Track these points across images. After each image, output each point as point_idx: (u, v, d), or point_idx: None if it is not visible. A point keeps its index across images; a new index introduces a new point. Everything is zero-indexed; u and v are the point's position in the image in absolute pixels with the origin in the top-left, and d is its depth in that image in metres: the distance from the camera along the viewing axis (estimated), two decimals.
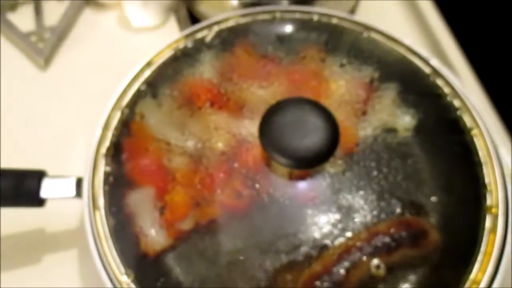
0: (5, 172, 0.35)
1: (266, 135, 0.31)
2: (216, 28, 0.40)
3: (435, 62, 0.39)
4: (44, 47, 0.48)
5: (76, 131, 0.41)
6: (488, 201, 0.33)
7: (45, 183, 0.35)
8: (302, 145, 0.31)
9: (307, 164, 0.32)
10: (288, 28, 0.41)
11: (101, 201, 0.33)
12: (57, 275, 0.38)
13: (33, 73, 0.48)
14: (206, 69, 0.38)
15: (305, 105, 0.32)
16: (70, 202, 0.35)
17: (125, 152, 0.35)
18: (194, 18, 0.50)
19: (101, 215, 0.33)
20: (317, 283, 0.31)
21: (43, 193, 0.35)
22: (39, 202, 0.35)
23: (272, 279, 0.31)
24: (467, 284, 0.31)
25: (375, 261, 0.31)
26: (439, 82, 0.38)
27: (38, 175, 0.35)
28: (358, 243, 0.32)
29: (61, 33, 0.50)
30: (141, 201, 0.34)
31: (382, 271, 0.31)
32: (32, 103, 0.46)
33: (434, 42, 0.49)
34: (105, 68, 0.46)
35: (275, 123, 0.31)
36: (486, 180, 0.34)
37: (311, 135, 0.31)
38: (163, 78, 0.38)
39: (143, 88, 0.38)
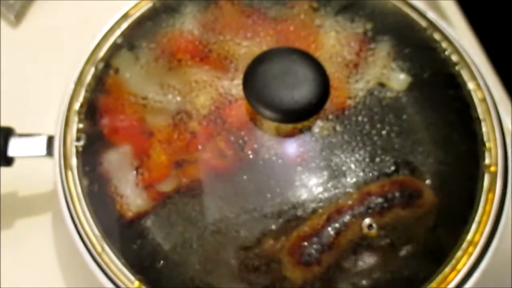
0: None
1: (251, 87, 0.29)
2: None
3: (432, 15, 0.36)
4: (15, 2, 0.45)
5: (49, 89, 0.39)
6: (487, 159, 0.32)
7: (13, 141, 0.33)
8: (289, 97, 0.28)
9: (295, 117, 0.29)
10: None
11: (73, 161, 0.31)
12: (30, 240, 0.36)
13: (3, 30, 0.45)
14: (187, 21, 0.35)
15: (292, 54, 0.29)
16: (44, 162, 0.33)
17: (100, 108, 0.33)
18: None
19: (73, 175, 0.31)
20: (305, 244, 0.29)
21: (10, 152, 0.32)
22: (7, 161, 0.33)
23: (258, 242, 0.30)
24: (464, 245, 0.30)
25: (367, 221, 0.30)
26: (436, 36, 0.36)
27: (5, 133, 0.32)
28: (350, 203, 0.30)
29: None
30: (117, 161, 0.31)
31: (374, 231, 0.29)
32: (3, 61, 0.43)
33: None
34: (80, 23, 0.43)
35: (261, 74, 0.29)
36: (485, 137, 0.32)
37: (299, 87, 0.29)
38: (140, 31, 0.35)
39: (119, 41, 0.35)
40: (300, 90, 0.29)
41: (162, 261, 0.29)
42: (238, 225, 0.30)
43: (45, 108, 0.35)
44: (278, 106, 0.28)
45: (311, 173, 0.31)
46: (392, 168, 0.31)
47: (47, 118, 0.34)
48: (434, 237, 0.30)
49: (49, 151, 0.32)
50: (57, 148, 0.31)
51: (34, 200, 0.38)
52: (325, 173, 0.31)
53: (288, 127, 0.31)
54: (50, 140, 0.32)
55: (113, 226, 0.30)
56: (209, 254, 0.30)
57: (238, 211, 0.30)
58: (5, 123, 0.34)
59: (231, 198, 0.31)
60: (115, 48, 0.35)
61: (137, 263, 0.29)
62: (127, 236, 0.30)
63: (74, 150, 0.31)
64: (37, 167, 0.34)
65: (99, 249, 0.29)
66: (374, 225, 0.29)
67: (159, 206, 0.30)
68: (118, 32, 0.35)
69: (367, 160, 0.31)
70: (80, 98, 0.33)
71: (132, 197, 0.31)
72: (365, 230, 0.29)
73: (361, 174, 0.31)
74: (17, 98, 0.41)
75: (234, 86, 0.33)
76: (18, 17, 0.45)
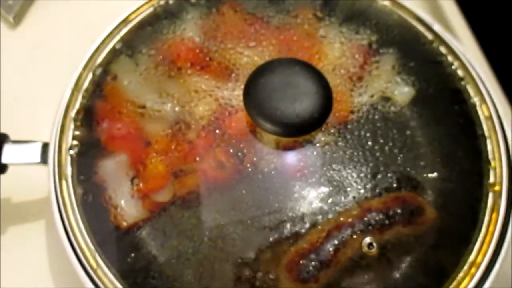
0: None
1: (252, 99, 0.28)
2: None
3: (438, 28, 0.36)
4: (14, 3, 0.45)
5: (46, 94, 0.38)
6: (491, 178, 0.31)
7: (6, 147, 0.32)
8: (291, 111, 0.28)
9: (296, 131, 0.29)
10: None
11: (68, 169, 0.30)
12: (23, 247, 0.36)
13: (2, 31, 0.44)
14: (188, 28, 0.35)
15: (295, 66, 0.29)
16: (38, 169, 0.32)
17: (97, 115, 0.32)
18: None
19: (68, 184, 0.30)
20: (303, 260, 0.28)
21: (4, 158, 0.32)
22: (0, 168, 0.32)
23: (255, 256, 0.29)
24: (466, 266, 0.29)
25: (367, 240, 0.29)
26: (442, 49, 0.35)
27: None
28: (350, 220, 0.30)
29: None
30: (113, 170, 0.31)
31: (374, 250, 0.29)
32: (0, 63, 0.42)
33: (435, 6, 0.45)
34: (79, 27, 0.43)
35: (262, 85, 0.28)
36: (490, 155, 0.31)
37: (301, 100, 0.28)
38: (140, 36, 0.35)
39: (118, 46, 0.34)
40: (302, 103, 0.28)
41: (156, 275, 0.29)
42: (235, 239, 0.29)
43: (41, 114, 0.35)
44: (279, 120, 0.28)
45: (311, 188, 0.30)
46: (394, 184, 0.31)
47: (43, 123, 0.33)
48: (435, 257, 0.30)
49: (44, 159, 0.31)
50: (52, 156, 0.31)
51: (27, 206, 0.37)
52: (326, 187, 0.30)
53: (289, 139, 0.31)
54: (45, 147, 0.32)
55: (107, 238, 0.29)
56: (204, 268, 0.29)
57: (235, 224, 0.30)
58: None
59: (228, 211, 0.30)
60: (114, 54, 0.34)
61: (131, 276, 0.28)
62: (121, 248, 0.29)
63: (69, 158, 0.31)
64: (32, 173, 0.33)
65: (93, 264, 0.28)
66: (374, 244, 0.29)
67: (155, 217, 0.30)
68: (117, 38, 0.35)
69: (368, 175, 0.31)
70: (77, 105, 0.32)
71: (127, 208, 0.30)
72: (365, 249, 0.29)
73: (362, 189, 0.30)
74: (13, 102, 0.41)
75: (235, 96, 0.32)
76: (17, 18, 0.44)
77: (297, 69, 0.29)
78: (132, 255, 0.29)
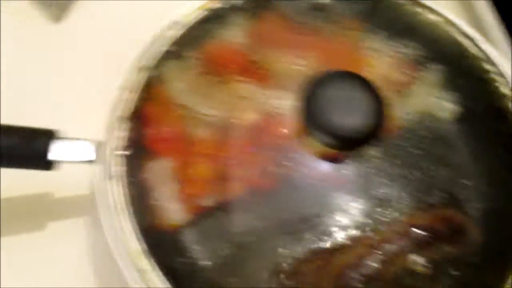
0: (12, 129, 0.32)
1: (308, 109, 0.28)
2: None
3: (486, 45, 0.35)
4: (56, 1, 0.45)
5: (92, 92, 0.38)
6: None
7: (54, 144, 0.32)
8: (347, 124, 0.28)
9: (351, 144, 0.29)
10: None
11: (116, 169, 0.31)
12: (63, 244, 0.36)
13: (45, 25, 0.44)
14: (237, 34, 0.35)
15: (352, 79, 0.29)
16: (83, 167, 0.32)
17: (145, 117, 0.32)
18: None
19: (114, 184, 0.30)
20: (347, 276, 0.28)
21: (51, 155, 0.32)
22: (47, 164, 0.32)
23: (297, 267, 0.29)
24: None
25: (411, 256, 0.29)
26: (489, 66, 0.35)
27: (48, 135, 0.32)
28: (392, 235, 0.29)
29: None
30: (160, 172, 0.31)
31: (418, 268, 0.29)
32: (45, 59, 0.42)
33: (479, 22, 0.45)
34: (128, 23, 0.42)
35: (319, 96, 0.28)
36: None
37: (356, 113, 0.28)
38: (190, 40, 0.35)
39: (167, 49, 0.34)
40: (357, 117, 0.28)
41: (200, 279, 0.29)
42: (277, 248, 0.29)
43: (86, 113, 0.35)
44: (336, 132, 0.28)
45: (355, 201, 0.30)
46: (438, 201, 0.31)
47: (89, 121, 0.34)
48: (478, 277, 0.29)
49: (91, 157, 0.32)
50: (101, 155, 0.31)
51: (70, 203, 0.37)
52: (370, 202, 0.30)
53: (334, 151, 0.31)
54: (93, 146, 0.32)
55: (152, 239, 0.29)
56: (246, 276, 0.29)
57: (278, 233, 0.30)
58: (43, 125, 0.33)
59: (272, 218, 0.30)
60: (163, 56, 0.34)
61: (176, 279, 0.29)
62: (166, 251, 0.29)
63: (116, 159, 0.31)
64: (74, 170, 0.34)
65: (140, 265, 0.28)
66: (419, 261, 0.29)
67: (198, 221, 0.30)
68: (167, 39, 0.35)
69: (413, 192, 0.31)
70: (125, 105, 0.32)
71: (172, 211, 0.30)
72: (409, 266, 0.29)
73: (407, 206, 0.30)
74: (58, 99, 0.41)
75: (281, 104, 0.32)
76: (62, 12, 0.44)
77: (353, 83, 0.29)
78: (177, 258, 0.29)
